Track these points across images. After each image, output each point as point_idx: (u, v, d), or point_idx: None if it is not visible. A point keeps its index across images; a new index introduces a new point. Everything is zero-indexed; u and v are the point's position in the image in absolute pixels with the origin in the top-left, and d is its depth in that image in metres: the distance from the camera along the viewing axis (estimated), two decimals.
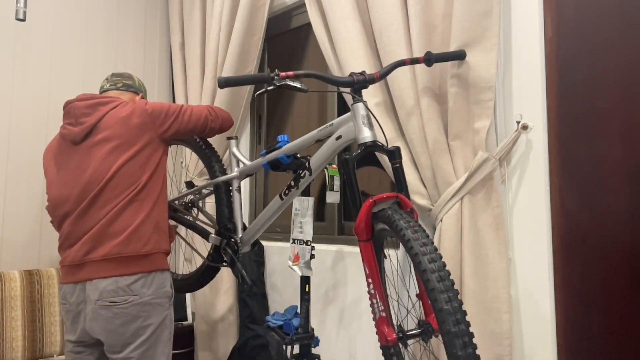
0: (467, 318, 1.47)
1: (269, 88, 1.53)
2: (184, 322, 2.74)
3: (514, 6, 1.72)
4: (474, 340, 1.50)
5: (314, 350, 1.92)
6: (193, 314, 2.76)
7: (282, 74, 1.55)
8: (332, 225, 2.38)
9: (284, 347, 1.89)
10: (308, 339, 1.88)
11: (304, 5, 2.48)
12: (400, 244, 1.58)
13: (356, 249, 2.15)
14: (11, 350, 2.31)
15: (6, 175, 2.58)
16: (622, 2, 1.53)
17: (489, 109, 1.66)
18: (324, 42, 2.17)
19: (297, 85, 1.56)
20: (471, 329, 1.61)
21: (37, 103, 2.70)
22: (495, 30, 1.66)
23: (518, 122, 1.66)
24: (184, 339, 2.72)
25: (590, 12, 1.59)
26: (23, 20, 2.39)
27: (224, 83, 1.55)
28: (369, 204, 1.42)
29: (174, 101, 3.14)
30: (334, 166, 1.93)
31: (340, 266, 2.19)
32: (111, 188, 1.80)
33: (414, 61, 1.70)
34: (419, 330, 1.41)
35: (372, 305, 1.42)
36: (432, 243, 1.26)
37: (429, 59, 1.68)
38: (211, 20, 2.75)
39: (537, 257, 1.63)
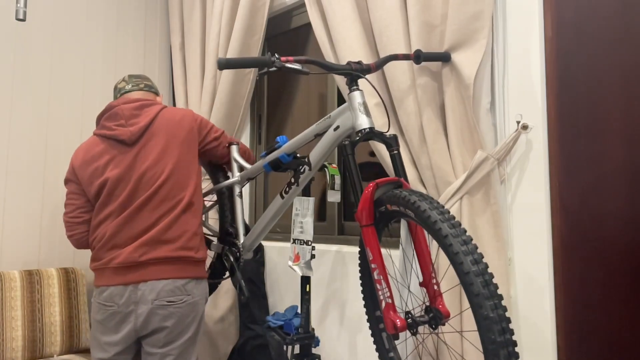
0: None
1: (271, 69, 1.55)
2: None
3: (513, 6, 1.72)
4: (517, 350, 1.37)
5: (314, 350, 1.92)
6: None
7: (283, 58, 1.56)
8: (332, 225, 2.38)
9: (285, 347, 1.89)
10: (308, 339, 1.88)
11: (304, 5, 2.48)
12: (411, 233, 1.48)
13: (357, 249, 2.15)
14: (11, 350, 2.31)
15: (6, 176, 2.58)
16: (622, 2, 1.53)
17: (487, 111, 1.68)
18: (324, 42, 2.17)
19: (298, 67, 1.57)
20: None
21: (37, 103, 2.70)
22: (485, 32, 1.68)
23: (518, 122, 1.66)
24: None
25: (590, 12, 1.59)
26: (23, 20, 2.39)
27: (224, 64, 1.54)
28: (372, 187, 1.40)
29: (174, 101, 3.14)
30: (334, 165, 1.92)
31: (340, 266, 2.19)
32: (166, 191, 1.84)
33: (405, 57, 1.74)
34: (427, 317, 1.35)
35: (377, 291, 1.36)
36: (464, 229, 1.19)
37: (418, 57, 1.73)
38: (211, 20, 2.75)
39: (537, 257, 1.63)
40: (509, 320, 1.10)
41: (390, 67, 1.87)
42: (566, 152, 1.62)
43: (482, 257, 1.14)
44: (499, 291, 1.23)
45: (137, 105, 1.93)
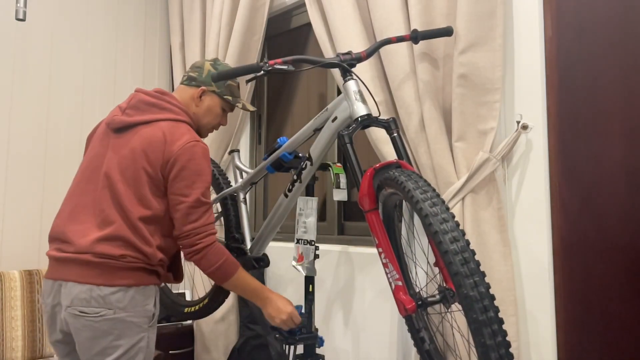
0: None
1: (258, 74, 1.56)
2: (184, 322, 2.74)
3: (514, 6, 1.73)
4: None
5: (318, 351, 1.92)
6: None
7: (271, 61, 1.57)
8: (332, 225, 2.38)
9: (286, 347, 1.89)
10: (311, 339, 1.88)
11: (304, 5, 2.48)
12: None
13: (357, 249, 2.16)
14: (11, 350, 2.31)
15: (6, 175, 2.58)
16: (623, 2, 1.54)
17: (495, 111, 1.67)
18: (324, 41, 2.17)
19: (284, 67, 1.58)
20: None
21: (37, 103, 2.70)
22: (500, 30, 1.67)
23: (518, 122, 1.66)
24: (184, 339, 2.72)
25: (590, 12, 1.60)
26: (23, 20, 2.39)
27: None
28: (370, 172, 1.40)
29: None
30: (339, 164, 1.92)
31: (341, 266, 2.20)
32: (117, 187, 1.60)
33: (400, 39, 1.70)
34: (439, 297, 1.32)
35: (386, 275, 1.36)
36: (447, 207, 1.18)
37: (416, 37, 1.69)
38: (211, 20, 2.76)
39: (537, 257, 1.64)
40: (492, 298, 1.07)
41: (391, 66, 1.87)
42: (566, 152, 1.62)
43: (463, 235, 1.13)
44: (482, 268, 1.20)
45: (150, 100, 1.70)
